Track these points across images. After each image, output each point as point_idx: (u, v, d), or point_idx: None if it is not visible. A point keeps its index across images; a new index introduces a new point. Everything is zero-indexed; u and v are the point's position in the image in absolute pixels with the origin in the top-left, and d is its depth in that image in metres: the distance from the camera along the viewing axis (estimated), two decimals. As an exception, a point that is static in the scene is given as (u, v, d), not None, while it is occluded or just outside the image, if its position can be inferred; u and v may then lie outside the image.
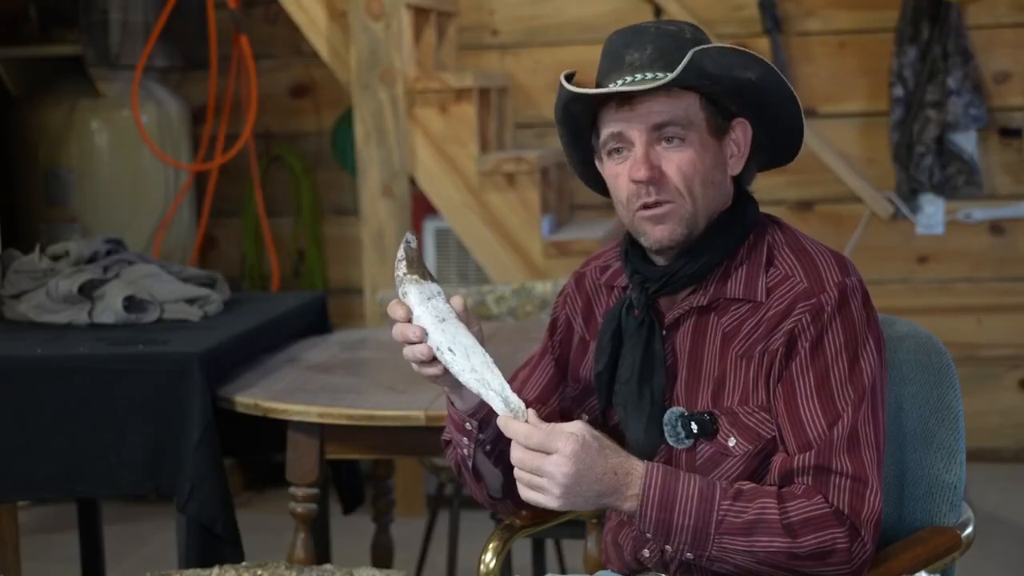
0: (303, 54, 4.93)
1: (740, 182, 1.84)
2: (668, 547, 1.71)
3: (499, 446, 1.84)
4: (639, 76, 1.75)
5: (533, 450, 1.64)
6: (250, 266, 5.08)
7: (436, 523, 3.56)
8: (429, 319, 1.73)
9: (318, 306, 3.45)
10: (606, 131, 1.79)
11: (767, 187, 4.82)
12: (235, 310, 3.19)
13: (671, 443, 1.79)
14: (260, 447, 3.02)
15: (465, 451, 1.88)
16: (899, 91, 4.65)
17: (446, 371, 1.73)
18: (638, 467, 1.67)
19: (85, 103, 4.56)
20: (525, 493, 1.67)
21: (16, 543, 2.87)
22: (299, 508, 2.69)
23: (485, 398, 1.71)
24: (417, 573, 3.55)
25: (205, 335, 2.88)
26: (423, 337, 1.73)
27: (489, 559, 2.03)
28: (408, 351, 1.75)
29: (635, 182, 1.76)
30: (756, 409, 1.77)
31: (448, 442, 1.94)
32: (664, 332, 1.83)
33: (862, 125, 4.82)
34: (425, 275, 1.76)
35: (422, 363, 1.74)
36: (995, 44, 4.70)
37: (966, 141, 4.64)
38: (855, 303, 1.75)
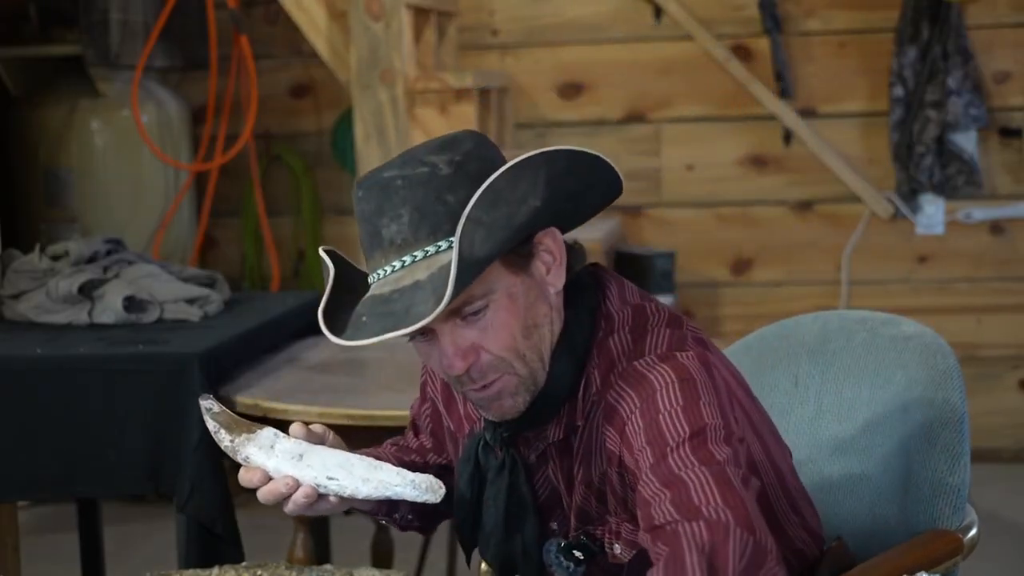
0: (303, 54, 4.93)
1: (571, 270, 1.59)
2: None
3: (420, 509, 1.76)
4: (408, 259, 1.47)
5: None
6: (250, 266, 5.08)
7: (436, 523, 3.56)
8: (288, 465, 1.58)
9: (318, 307, 3.44)
10: None
11: (768, 187, 4.83)
12: (235, 310, 3.18)
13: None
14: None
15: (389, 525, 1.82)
16: (899, 91, 4.65)
17: (340, 498, 1.59)
18: None
19: (85, 103, 4.56)
20: None
21: (16, 543, 2.87)
22: (299, 508, 2.69)
23: (394, 497, 1.57)
24: (417, 573, 3.55)
25: (205, 335, 2.88)
26: (296, 485, 1.56)
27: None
28: (291, 505, 1.57)
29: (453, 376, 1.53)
30: (623, 521, 1.59)
31: None
32: (532, 465, 1.64)
33: (862, 125, 4.82)
34: (251, 428, 1.62)
35: (312, 504, 1.58)
36: (995, 44, 4.70)
37: (966, 141, 4.64)
38: (656, 378, 1.51)
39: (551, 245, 1.55)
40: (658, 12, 4.83)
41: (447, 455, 1.82)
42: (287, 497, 1.57)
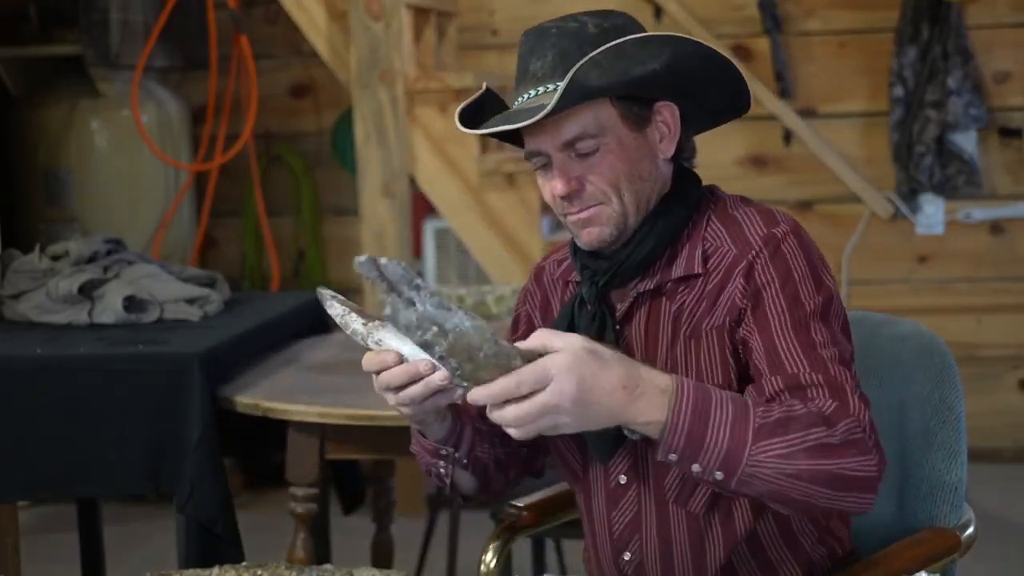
0: (303, 54, 4.93)
1: (680, 157, 1.78)
2: (696, 466, 1.52)
3: (474, 452, 1.82)
4: (541, 89, 1.70)
5: (527, 396, 1.45)
6: (250, 266, 5.08)
7: (436, 523, 3.56)
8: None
9: (318, 306, 3.44)
10: (527, 148, 1.75)
11: (768, 187, 4.83)
12: (235, 310, 3.18)
13: (632, 437, 1.63)
14: (260, 447, 3.02)
15: (443, 471, 1.84)
16: (899, 91, 4.65)
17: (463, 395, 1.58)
18: (657, 379, 1.52)
19: (85, 103, 4.56)
20: (535, 428, 1.48)
21: (16, 543, 2.87)
22: (299, 508, 2.69)
23: None
24: (417, 573, 3.55)
25: (205, 335, 2.88)
26: (434, 368, 1.59)
27: (490, 559, 2.03)
28: (420, 387, 1.61)
29: (558, 197, 1.73)
30: (713, 388, 1.62)
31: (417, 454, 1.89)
32: (618, 326, 1.77)
33: (862, 125, 4.82)
34: (379, 318, 1.58)
35: (433, 396, 1.62)
36: (995, 44, 4.71)
37: (966, 141, 4.64)
38: (788, 246, 1.69)
39: (668, 118, 1.74)
40: (658, 12, 4.83)
41: None
42: (420, 380, 1.60)
